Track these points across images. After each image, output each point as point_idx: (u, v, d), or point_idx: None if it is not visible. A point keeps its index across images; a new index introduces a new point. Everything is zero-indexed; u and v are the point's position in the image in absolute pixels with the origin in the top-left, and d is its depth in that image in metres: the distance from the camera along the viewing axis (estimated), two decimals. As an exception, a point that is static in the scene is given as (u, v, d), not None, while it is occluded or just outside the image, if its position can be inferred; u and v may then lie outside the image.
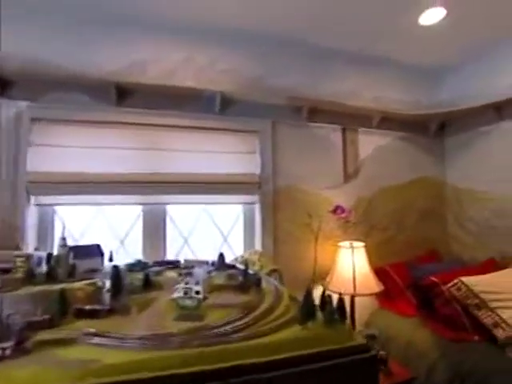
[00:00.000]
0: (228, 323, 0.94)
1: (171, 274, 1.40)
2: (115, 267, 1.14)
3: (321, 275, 2.07)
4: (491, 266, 2.13)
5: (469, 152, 2.56)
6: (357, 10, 1.91)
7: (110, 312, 1.02)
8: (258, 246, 2.07)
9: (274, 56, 2.22)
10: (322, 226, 2.09)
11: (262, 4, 1.84)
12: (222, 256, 1.51)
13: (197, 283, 1.11)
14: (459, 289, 1.75)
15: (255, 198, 2.08)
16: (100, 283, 1.14)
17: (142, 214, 1.97)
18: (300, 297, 1.01)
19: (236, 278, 1.29)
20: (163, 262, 1.59)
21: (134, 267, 1.40)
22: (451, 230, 2.68)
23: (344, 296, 1.02)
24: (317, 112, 2.22)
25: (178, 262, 1.60)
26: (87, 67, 1.80)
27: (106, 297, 1.09)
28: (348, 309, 1.93)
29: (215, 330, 0.89)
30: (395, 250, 2.42)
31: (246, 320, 0.96)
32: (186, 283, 1.12)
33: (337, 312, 0.95)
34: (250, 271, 1.35)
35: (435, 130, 2.62)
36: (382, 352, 1.68)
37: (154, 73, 1.93)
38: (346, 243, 2.02)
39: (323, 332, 0.91)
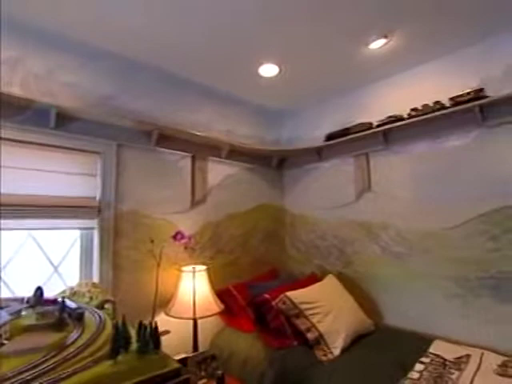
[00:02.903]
0: (22, 372, 0.82)
1: (-41, 319, 1.14)
2: None
3: (165, 301, 2.05)
4: (313, 279, 2.55)
5: (300, 184, 3.09)
6: (210, 47, 2.06)
7: None
8: (95, 276, 1.90)
9: (126, 77, 2.16)
10: (167, 252, 2.08)
11: (116, 20, 1.78)
12: (39, 290, 1.32)
13: (-12, 329, 0.94)
14: (284, 302, 2.03)
15: (94, 223, 1.92)
16: None
17: None
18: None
19: (50, 315, 1.15)
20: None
21: None
22: (288, 250, 3.12)
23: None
24: (167, 138, 2.25)
25: (-24, 302, 1.31)
26: None
27: None
28: (191, 332, 1.99)
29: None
30: (241, 271, 2.63)
31: (48, 364, 0.87)
32: (-27, 330, 0.94)
33: (151, 340, 0.97)
34: (72, 305, 1.23)
35: (276, 163, 3.06)
36: (218, 371, 1.77)
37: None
38: (190, 267, 2.08)
39: (134, 364, 0.91)
